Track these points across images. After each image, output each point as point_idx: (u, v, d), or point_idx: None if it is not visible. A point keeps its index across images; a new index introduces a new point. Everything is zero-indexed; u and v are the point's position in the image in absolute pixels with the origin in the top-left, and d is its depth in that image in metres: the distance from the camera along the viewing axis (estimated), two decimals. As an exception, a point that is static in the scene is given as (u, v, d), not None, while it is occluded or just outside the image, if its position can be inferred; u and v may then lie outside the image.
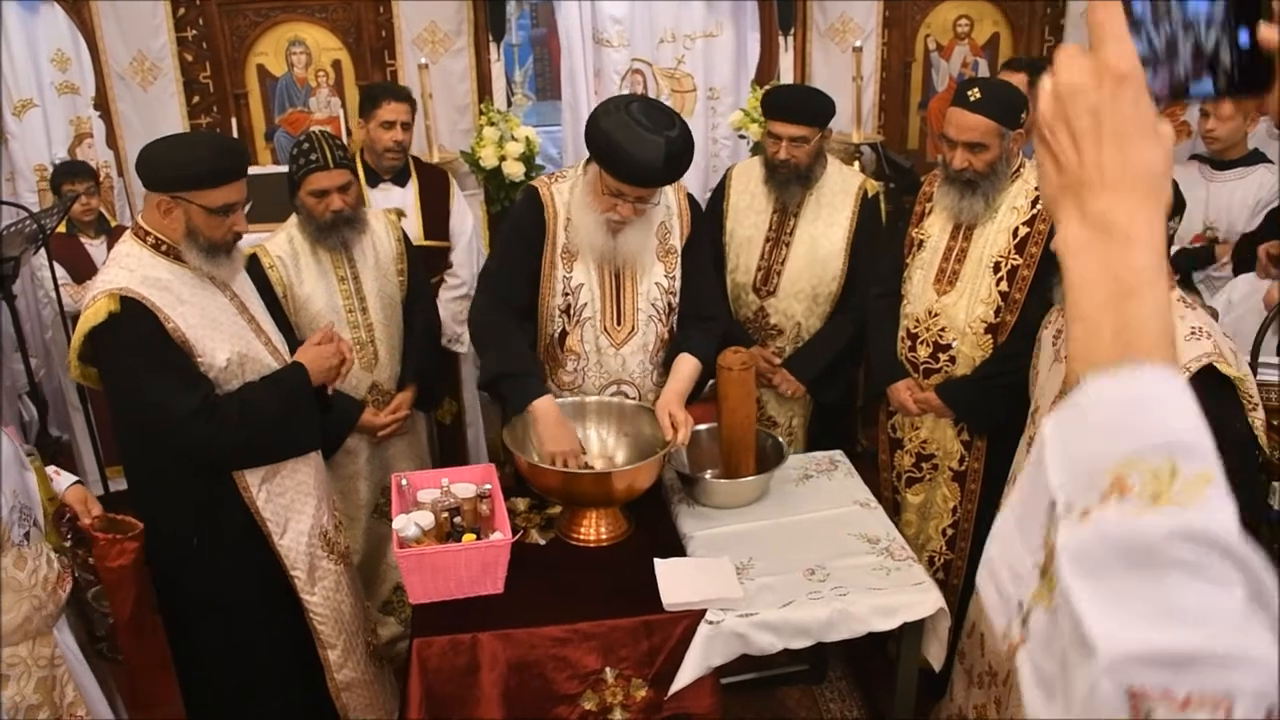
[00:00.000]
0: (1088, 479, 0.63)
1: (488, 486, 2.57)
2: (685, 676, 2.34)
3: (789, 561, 2.51)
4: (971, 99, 2.70)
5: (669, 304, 2.87)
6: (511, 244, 2.85)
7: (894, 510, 3.14)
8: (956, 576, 3.09)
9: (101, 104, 4.48)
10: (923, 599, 2.42)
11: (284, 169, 3.15)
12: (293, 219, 3.03)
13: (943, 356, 2.95)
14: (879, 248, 3.22)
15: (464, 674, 2.32)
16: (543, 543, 2.66)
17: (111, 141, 4.52)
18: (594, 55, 4.79)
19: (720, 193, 3.42)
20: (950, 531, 3.10)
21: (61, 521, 2.41)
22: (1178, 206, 2.42)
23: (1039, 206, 2.80)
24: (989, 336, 2.88)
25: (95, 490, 2.91)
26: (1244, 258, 3.43)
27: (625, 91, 4.64)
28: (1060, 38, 4.97)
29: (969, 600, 2.75)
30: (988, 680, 2.56)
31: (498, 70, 4.75)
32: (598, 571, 2.54)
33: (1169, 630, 0.58)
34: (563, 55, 4.84)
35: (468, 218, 3.98)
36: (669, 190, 2.80)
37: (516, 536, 2.46)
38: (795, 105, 3.16)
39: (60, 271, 3.87)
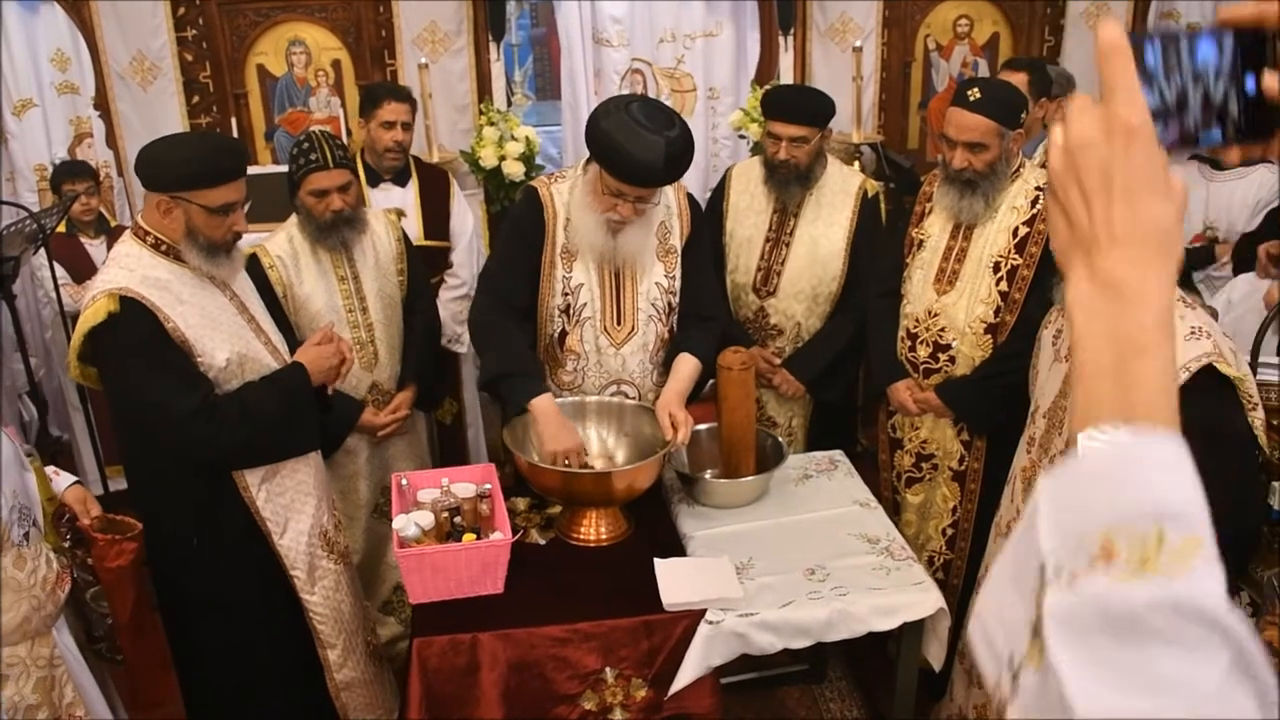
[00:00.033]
0: (1077, 542, 0.63)
1: (488, 486, 2.57)
2: (685, 676, 2.34)
3: (789, 561, 2.51)
4: (971, 99, 2.70)
5: (669, 304, 2.87)
6: (511, 244, 2.85)
7: (894, 510, 3.14)
8: (956, 576, 3.09)
9: (101, 104, 4.48)
10: (923, 599, 2.42)
11: (284, 169, 3.15)
12: (292, 219, 3.03)
13: (942, 356, 2.95)
14: (879, 248, 3.22)
15: (464, 674, 2.32)
16: (543, 543, 2.66)
17: (111, 141, 4.52)
18: (594, 55, 4.79)
19: (720, 193, 3.42)
20: (950, 531, 3.10)
21: (60, 522, 2.41)
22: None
23: (1039, 206, 2.80)
24: (989, 336, 2.88)
25: (95, 490, 2.91)
26: (1244, 257, 3.43)
27: (625, 91, 4.64)
28: (1060, 38, 4.98)
29: (969, 600, 2.75)
30: (988, 680, 2.56)
31: (497, 70, 4.75)
32: (598, 571, 2.54)
33: (1148, 699, 0.58)
34: (562, 55, 4.84)
35: (468, 218, 3.98)
36: (669, 190, 2.80)
37: (516, 536, 2.46)
38: (795, 105, 3.16)
39: (60, 271, 3.87)
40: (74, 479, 2.49)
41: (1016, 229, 2.82)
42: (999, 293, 2.85)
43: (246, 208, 2.40)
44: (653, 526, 2.71)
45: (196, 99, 4.51)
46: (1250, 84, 0.70)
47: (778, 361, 3.33)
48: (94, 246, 4.25)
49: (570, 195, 2.74)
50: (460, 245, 3.91)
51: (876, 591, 2.41)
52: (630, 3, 4.71)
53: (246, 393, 2.40)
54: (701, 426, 2.87)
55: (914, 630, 2.47)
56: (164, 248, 2.35)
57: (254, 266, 2.84)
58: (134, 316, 2.25)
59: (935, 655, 2.53)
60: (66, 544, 2.40)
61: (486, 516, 2.55)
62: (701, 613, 2.34)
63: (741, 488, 2.79)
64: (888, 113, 5.02)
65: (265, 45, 4.56)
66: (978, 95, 2.70)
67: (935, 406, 2.97)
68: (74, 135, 4.63)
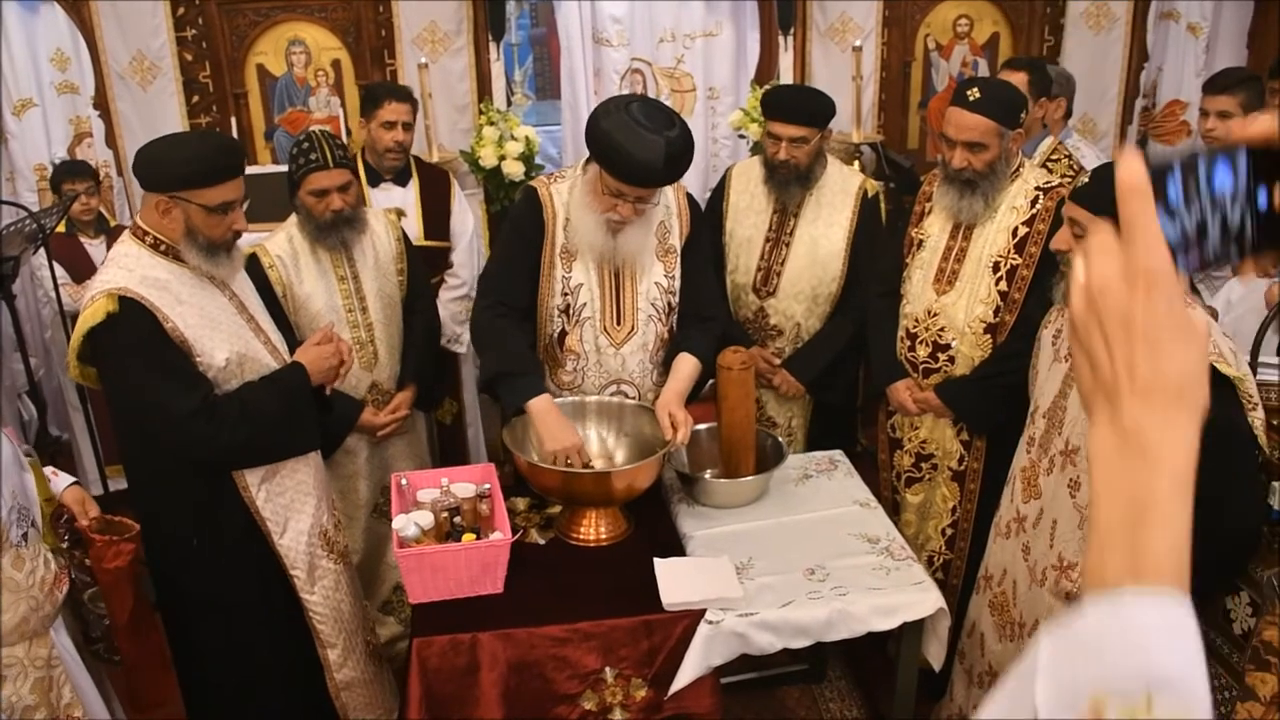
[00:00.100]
0: (1070, 699, 0.64)
1: (487, 486, 2.57)
2: (685, 676, 2.34)
3: (789, 561, 2.51)
4: (971, 99, 2.70)
5: (668, 304, 2.87)
6: (511, 244, 2.85)
7: (893, 510, 3.14)
8: (956, 576, 3.09)
9: (101, 103, 4.48)
10: (922, 599, 2.42)
11: (283, 169, 3.15)
12: (292, 219, 3.03)
13: (942, 356, 2.95)
14: (879, 248, 3.22)
15: (464, 674, 2.32)
16: (542, 542, 2.66)
17: (111, 141, 4.52)
18: (594, 55, 4.79)
19: (720, 193, 3.42)
20: (950, 531, 3.10)
21: (59, 523, 2.41)
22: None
23: (1038, 206, 2.80)
24: (988, 336, 2.88)
25: (95, 490, 2.91)
26: (1244, 257, 3.42)
27: (625, 91, 4.64)
28: (1060, 38, 4.98)
29: (969, 600, 2.74)
30: (988, 680, 2.56)
31: (497, 70, 4.75)
32: (598, 571, 2.53)
33: None
34: (562, 55, 4.84)
35: (468, 218, 3.98)
36: (668, 190, 2.80)
37: (516, 536, 2.46)
38: (795, 105, 3.16)
39: (60, 271, 3.87)
40: (72, 480, 2.49)
41: (1016, 229, 2.82)
42: (998, 292, 2.85)
43: (245, 207, 2.40)
44: (652, 526, 2.71)
45: (196, 99, 4.51)
46: (1263, 199, 0.70)
47: (777, 361, 3.33)
48: (94, 246, 4.25)
49: (570, 195, 2.74)
50: (460, 245, 3.91)
51: (876, 591, 2.40)
52: (630, 2, 4.70)
53: (246, 393, 2.40)
54: (701, 426, 2.86)
55: (914, 630, 2.47)
56: (163, 248, 2.35)
57: (254, 266, 2.84)
58: (133, 316, 2.25)
59: (935, 655, 2.53)
60: (64, 545, 2.40)
61: (486, 516, 2.55)
62: (701, 612, 2.34)
63: (741, 488, 2.79)
64: (888, 112, 5.02)
65: (265, 45, 4.56)
66: (977, 95, 2.70)
67: (935, 406, 2.97)
68: (74, 135, 4.63)
